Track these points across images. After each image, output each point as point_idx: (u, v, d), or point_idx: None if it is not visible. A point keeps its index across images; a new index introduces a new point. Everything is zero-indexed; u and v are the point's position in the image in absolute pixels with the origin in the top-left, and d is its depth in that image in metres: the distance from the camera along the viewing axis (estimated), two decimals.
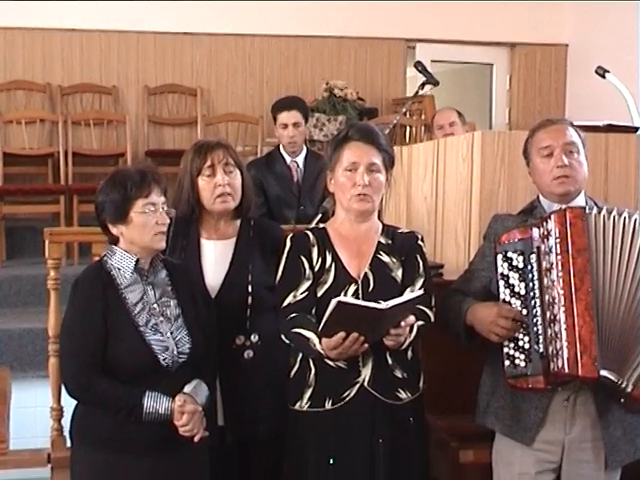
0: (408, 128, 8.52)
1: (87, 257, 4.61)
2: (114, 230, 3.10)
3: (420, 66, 5.47)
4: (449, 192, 4.27)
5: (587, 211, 3.02)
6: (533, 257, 3.03)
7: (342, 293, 3.15)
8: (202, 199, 3.47)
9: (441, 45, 9.67)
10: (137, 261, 3.09)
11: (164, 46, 8.98)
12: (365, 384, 3.16)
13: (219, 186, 3.43)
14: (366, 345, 2.97)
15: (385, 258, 3.27)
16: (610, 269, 2.95)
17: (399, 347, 3.06)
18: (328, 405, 3.17)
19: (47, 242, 4.27)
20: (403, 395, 3.22)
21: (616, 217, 3.00)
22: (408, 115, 8.58)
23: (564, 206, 3.08)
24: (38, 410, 4.74)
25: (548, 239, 3.00)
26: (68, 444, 3.35)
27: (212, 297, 3.44)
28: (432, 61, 9.09)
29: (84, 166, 8.31)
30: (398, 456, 3.19)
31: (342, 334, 2.92)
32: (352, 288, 3.19)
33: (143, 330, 3.04)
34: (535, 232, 3.04)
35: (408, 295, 3.04)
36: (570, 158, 3.16)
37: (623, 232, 2.98)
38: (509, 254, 3.08)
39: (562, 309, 2.91)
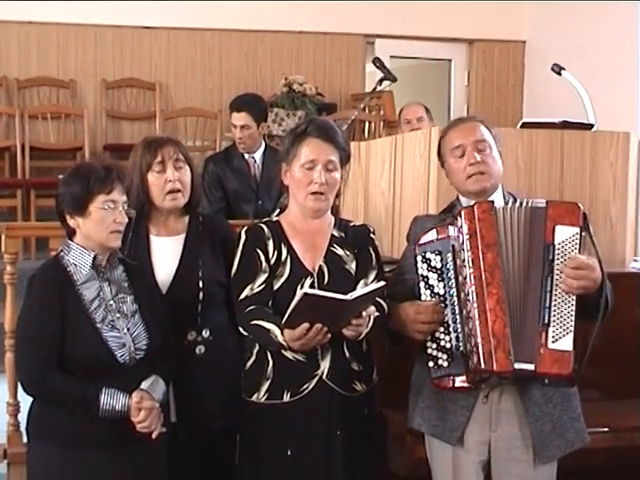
0: (367, 124, 8.55)
1: (44, 251, 4.59)
2: (71, 222, 3.07)
3: (378, 62, 5.51)
4: (406, 188, 4.29)
5: (496, 205, 3.03)
6: (449, 256, 3.05)
7: (298, 286, 3.17)
8: (152, 195, 3.44)
9: (400, 41, 9.72)
10: (95, 257, 3.08)
11: (122, 40, 8.95)
12: (324, 377, 3.19)
13: (169, 182, 3.41)
14: (329, 335, 3.00)
15: (339, 251, 3.30)
16: (518, 260, 2.96)
17: (357, 337, 3.08)
18: (286, 398, 3.19)
19: (4, 237, 4.25)
20: (359, 387, 3.26)
21: (519, 208, 3.01)
22: (367, 111, 8.61)
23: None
24: None
25: (460, 236, 3.02)
26: (24, 440, 3.33)
27: (163, 293, 3.42)
28: (391, 57, 9.16)
29: (41, 160, 8.27)
30: (354, 447, 3.22)
31: (306, 325, 2.94)
32: (308, 281, 3.21)
33: (100, 327, 3.02)
34: (451, 230, 3.06)
35: (371, 286, 3.06)
36: (482, 155, 3.16)
37: (525, 222, 2.98)
38: (427, 255, 3.10)
39: (475, 305, 2.94)
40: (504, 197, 3.21)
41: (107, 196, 3.03)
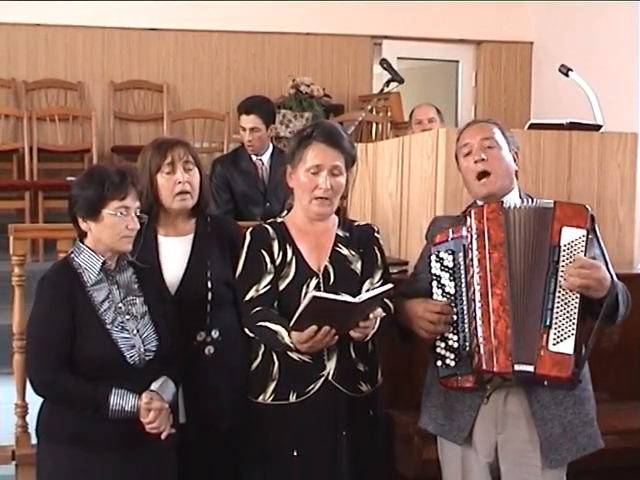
0: (374, 125, 8.55)
1: (52, 253, 4.59)
2: (83, 225, 3.07)
3: (385, 64, 5.51)
4: (414, 189, 4.28)
5: (505, 205, 3.02)
6: (461, 255, 3.05)
7: (304, 287, 3.18)
8: (161, 196, 3.44)
9: (407, 42, 9.72)
10: (104, 262, 3.08)
11: (130, 42, 8.96)
12: (329, 377, 3.19)
13: (179, 183, 3.41)
14: (336, 337, 2.99)
15: (344, 251, 3.30)
16: (523, 261, 2.95)
17: (364, 339, 3.08)
18: (292, 398, 3.19)
19: (12, 238, 4.25)
20: (364, 388, 3.26)
21: (527, 208, 3.01)
22: (374, 112, 8.62)
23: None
24: (2, 407, 4.71)
25: (469, 236, 3.02)
26: (33, 441, 3.35)
27: (171, 294, 3.43)
28: (398, 58, 9.16)
29: (49, 162, 8.28)
30: (360, 448, 3.22)
31: (314, 328, 2.93)
32: (313, 281, 3.21)
33: (109, 328, 3.03)
34: (464, 230, 3.05)
35: (379, 289, 3.04)
36: (488, 153, 3.15)
37: (531, 222, 2.97)
38: (441, 254, 3.10)
39: (479, 305, 2.94)
40: (521, 199, 3.18)
41: (121, 202, 3.03)
